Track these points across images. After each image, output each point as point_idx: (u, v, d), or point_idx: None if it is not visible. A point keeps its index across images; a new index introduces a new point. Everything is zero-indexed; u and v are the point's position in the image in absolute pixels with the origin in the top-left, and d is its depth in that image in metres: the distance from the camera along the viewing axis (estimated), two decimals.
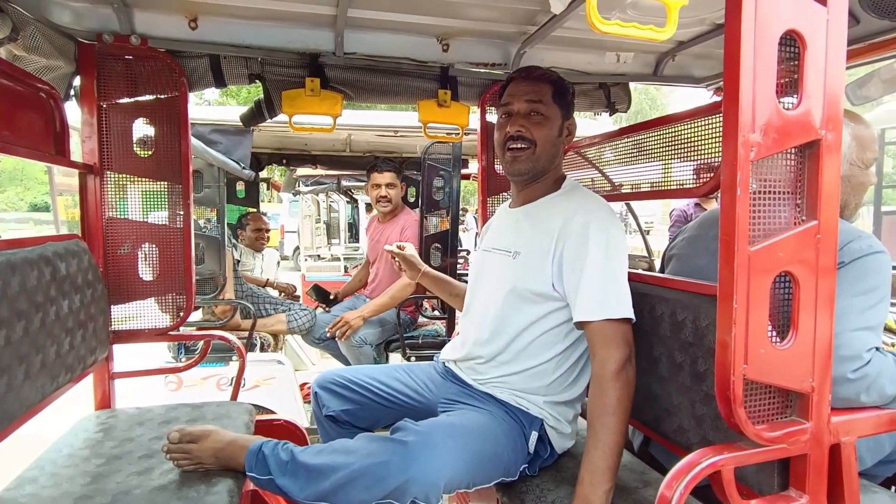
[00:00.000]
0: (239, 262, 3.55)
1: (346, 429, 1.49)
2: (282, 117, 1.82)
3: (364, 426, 1.49)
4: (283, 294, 3.77)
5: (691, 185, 1.38)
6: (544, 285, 1.27)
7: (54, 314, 1.25)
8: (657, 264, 2.82)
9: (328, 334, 2.83)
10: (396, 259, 1.74)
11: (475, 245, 1.68)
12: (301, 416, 2.81)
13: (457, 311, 2.72)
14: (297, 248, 10.04)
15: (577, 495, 1.10)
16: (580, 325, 1.22)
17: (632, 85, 2.11)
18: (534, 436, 1.29)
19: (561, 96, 1.34)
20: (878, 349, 1.04)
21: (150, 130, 1.65)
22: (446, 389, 1.44)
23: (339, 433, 1.47)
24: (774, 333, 0.85)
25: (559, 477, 1.31)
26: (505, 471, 1.24)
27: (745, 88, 0.76)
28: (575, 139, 1.84)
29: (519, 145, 1.31)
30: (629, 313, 1.18)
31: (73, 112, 1.57)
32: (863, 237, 1.07)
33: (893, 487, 1.33)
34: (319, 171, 4.42)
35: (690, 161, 1.38)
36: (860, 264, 1.04)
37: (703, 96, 2.07)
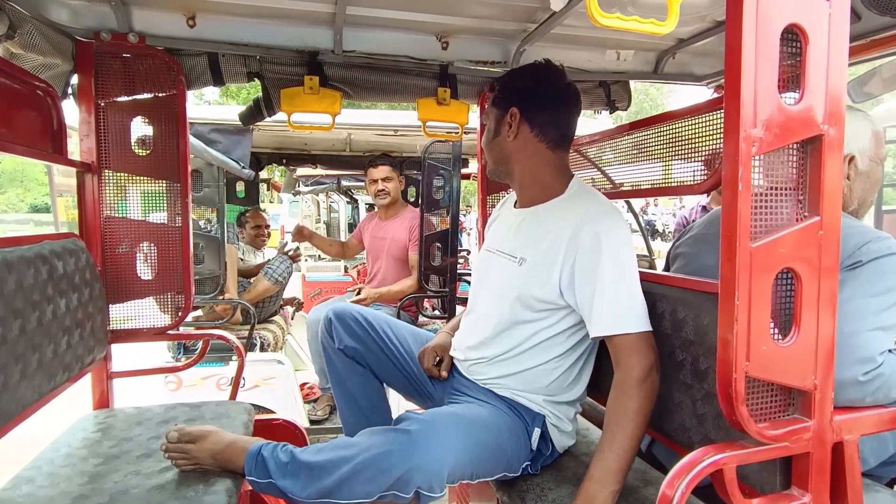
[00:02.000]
0: (241, 259, 3.55)
1: (352, 364, 1.53)
2: (281, 116, 1.81)
3: (370, 369, 1.53)
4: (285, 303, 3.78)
5: (692, 182, 1.37)
6: (551, 294, 1.25)
7: (51, 313, 1.24)
8: (658, 264, 2.81)
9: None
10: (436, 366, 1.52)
11: (479, 243, 1.66)
12: (301, 416, 2.80)
13: (458, 310, 2.73)
14: (298, 247, 10.03)
15: (584, 490, 1.10)
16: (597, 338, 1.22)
17: (632, 84, 2.10)
18: (536, 432, 1.29)
19: (496, 98, 1.36)
20: (890, 351, 1.03)
21: (148, 129, 1.64)
22: (453, 380, 1.45)
23: (345, 366, 1.52)
24: (776, 330, 0.84)
25: (560, 476, 1.30)
26: (507, 465, 1.24)
27: (746, 83, 0.75)
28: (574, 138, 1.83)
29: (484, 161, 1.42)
30: (647, 326, 1.16)
31: (72, 112, 1.57)
32: (882, 238, 1.06)
33: None
34: (319, 171, 4.42)
35: (691, 158, 1.37)
36: (878, 265, 1.03)
37: (703, 96, 2.06)
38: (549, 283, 1.25)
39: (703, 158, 1.34)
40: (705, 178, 1.32)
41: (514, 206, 1.46)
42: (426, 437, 1.09)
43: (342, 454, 1.11)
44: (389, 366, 1.52)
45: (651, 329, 1.17)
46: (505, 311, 1.32)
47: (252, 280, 3.35)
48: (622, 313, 1.15)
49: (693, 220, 2.71)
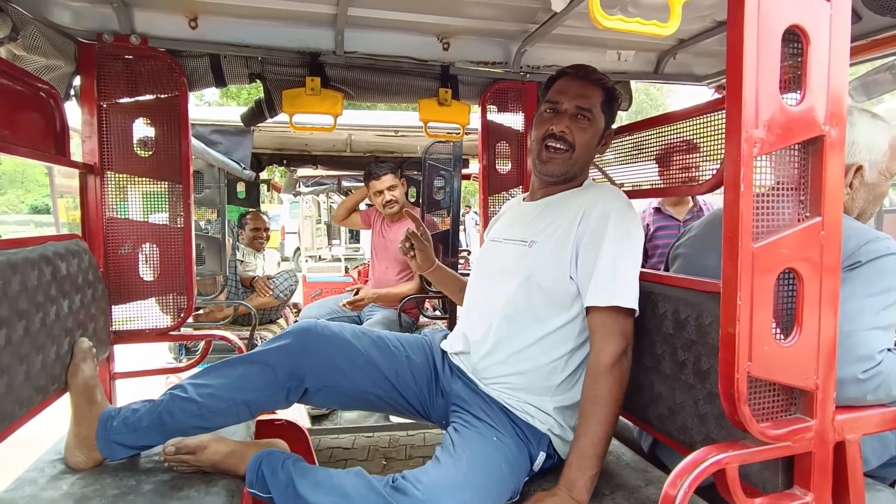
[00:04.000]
0: (241, 261, 3.56)
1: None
2: (282, 117, 1.82)
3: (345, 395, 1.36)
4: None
5: (694, 183, 1.37)
6: (561, 274, 1.26)
7: (55, 314, 1.24)
8: None
9: (342, 305, 2.94)
10: (411, 242, 1.57)
11: (480, 241, 1.65)
12: (302, 417, 2.80)
13: (458, 308, 2.72)
14: (298, 248, 10.05)
15: (564, 477, 1.14)
16: (587, 310, 1.23)
17: (632, 84, 2.10)
18: (541, 456, 1.25)
19: (609, 105, 1.34)
20: (889, 350, 1.04)
21: (150, 130, 1.65)
22: (454, 389, 1.37)
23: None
24: (778, 330, 0.84)
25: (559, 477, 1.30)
26: (511, 495, 1.21)
27: (748, 83, 0.76)
28: None
29: (559, 146, 1.30)
30: (634, 304, 1.20)
31: (75, 113, 1.57)
32: (881, 238, 1.06)
33: None
34: (320, 172, 4.42)
35: (692, 158, 1.37)
36: (877, 265, 1.03)
37: (704, 96, 2.07)
38: (560, 264, 1.26)
39: (704, 158, 1.34)
40: (706, 178, 1.33)
41: (524, 200, 1.48)
42: None
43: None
44: (380, 394, 1.36)
45: (637, 311, 1.21)
46: (513, 294, 1.29)
47: (251, 286, 3.41)
48: (615, 286, 1.19)
49: (646, 224, 2.61)
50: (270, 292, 3.40)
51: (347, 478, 1.10)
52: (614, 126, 1.43)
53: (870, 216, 1.25)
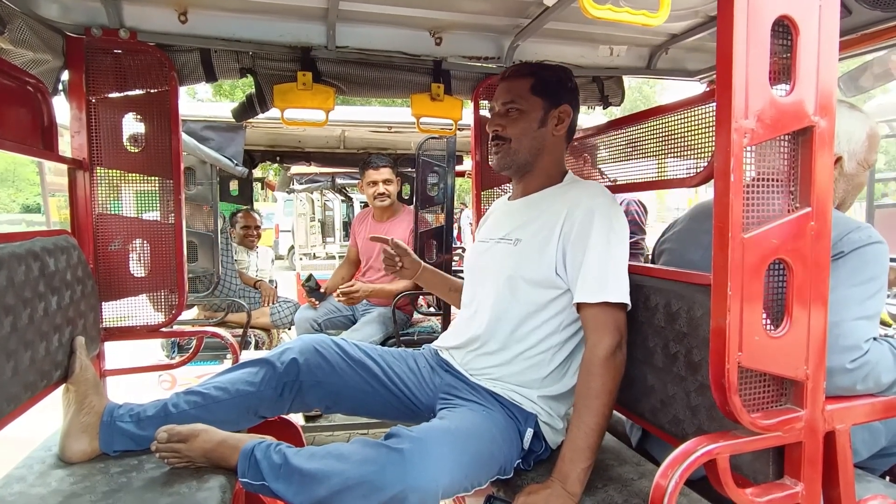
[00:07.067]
0: (236, 260, 3.55)
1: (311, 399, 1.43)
2: (274, 113, 1.81)
3: (343, 403, 1.45)
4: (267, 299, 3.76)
5: (684, 176, 1.37)
6: (546, 271, 1.29)
7: (43, 310, 1.23)
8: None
9: (336, 297, 2.90)
10: (396, 257, 1.67)
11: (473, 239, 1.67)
12: (296, 415, 2.79)
13: (453, 307, 2.72)
14: (292, 246, 10.03)
15: (557, 470, 1.15)
16: (578, 307, 1.25)
17: (626, 82, 2.10)
18: (529, 432, 1.28)
19: (542, 87, 1.36)
20: (875, 338, 1.04)
21: (140, 125, 1.63)
22: (443, 380, 1.42)
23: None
24: (769, 321, 0.84)
25: (553, 470, 1.30)
26: (501, 469, 1.24)
27: (737, 73, 0.76)
28: None
29: (497, 142, 1.39)
30: (625, 299, 1.22)
31: (64, 109, 1.56)
32: (862, 227, 1.08)
33: (889, 478, 1.33)
34: (314, 169, 4.41)
35: (684, 151, 1.37)
36: (859, 254, 1.04)
37: (695, 92, 2.07)
38: (544, 261, 1.29)
39: (695, 151, 1.34)
40: (698, 170, 1.33)
41: (508, 200, 1.51)
42: (419, 456, 1.07)
43: (334, 466, 1.09)
44: (368, 391, 1.43)
45: (629, 304, 1.23)
46: (499, 292, 1.33)
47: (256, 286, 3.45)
48: (605, 282, 1.21)
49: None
50: (274, 302, 3.41)
51: (342, 444, 1.16)
52: (608, 118, 1.43)
53: (849, 206, 1.27)
